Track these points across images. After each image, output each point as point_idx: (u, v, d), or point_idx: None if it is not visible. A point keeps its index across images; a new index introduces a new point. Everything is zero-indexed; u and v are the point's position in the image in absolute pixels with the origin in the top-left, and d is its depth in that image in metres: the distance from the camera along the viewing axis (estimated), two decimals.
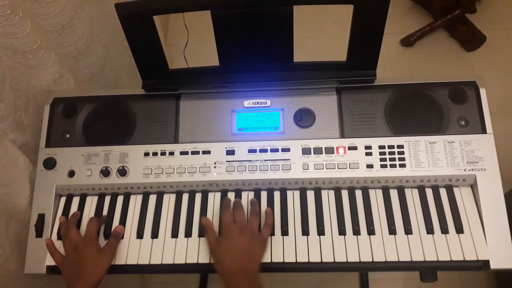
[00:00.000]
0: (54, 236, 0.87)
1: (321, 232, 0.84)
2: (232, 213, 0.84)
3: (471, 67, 1.92)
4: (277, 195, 0.89)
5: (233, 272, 0.76)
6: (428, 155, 0.85)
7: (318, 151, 0.87)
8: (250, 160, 0.88)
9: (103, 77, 1.14)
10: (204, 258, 0.83)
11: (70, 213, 0.90)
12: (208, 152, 0.89)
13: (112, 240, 0.84)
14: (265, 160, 0.88)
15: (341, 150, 0.87)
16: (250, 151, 0.89)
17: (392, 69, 1.96)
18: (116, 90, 0.96)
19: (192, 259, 0.83)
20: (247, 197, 0.89)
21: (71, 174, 0.89)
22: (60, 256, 0.83)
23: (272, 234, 0.84)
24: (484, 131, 0.86)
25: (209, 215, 0.88)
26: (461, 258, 0.79)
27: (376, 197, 0.87)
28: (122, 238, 0.86)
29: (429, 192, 0.86)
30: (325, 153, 0.87)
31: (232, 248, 0.78)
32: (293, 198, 0.88)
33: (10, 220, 0.85)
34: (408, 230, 0.83)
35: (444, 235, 0.82)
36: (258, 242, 0.80)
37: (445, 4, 1.93)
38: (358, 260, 0.81)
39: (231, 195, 0.89)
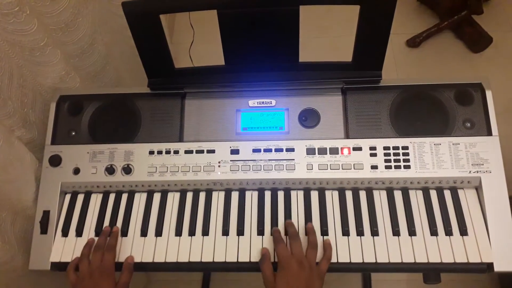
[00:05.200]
0: (59, 233, 0.88)
1: (324, 232, 0.84)
2: (286, 245, 0.80)
3: (477, 69, 1.91)
4: (281, 195, 0.89)
5: None
6: (433, 157, 0.85)
7: (322, 151, 0.87)
8: (255, 160, 0.88)
9: (105, 76, 1.15)
10: (207, 257, 0.83)
11: (75, 210, 0.90)
12: (213, 151, 0.89)
13: (125, 274, 0.81)
14: (269, 159, 0.88)
15: (345, 151, 0.87)
16: (255, 150, 0.89)
17: (397, 70, 1.95)
18: (122, 89, 0.96)
19: (195, 258, 0.83)
20: (250, 196, 0.89)
21: (76, 171, 0.90)
22: (75, 277, 0.81)
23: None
24: (489, 133, 0.86)
25: (212, 214, 0.88)
26: (465, 260, 0.79)
27: (380, 198, 0.87)
28: (126, 235, 0.87)
29: (433, 194, 0.86)
30: (330, 154, 0.87)
31: (291, 283, 0.73)
32: (297, 198, 0.88)
33: (16, 217, 0.86)
34: (412, 232, 0.82)
35: (448, 237, 0.82)
36: (317, 276, 0.76)
37: (452, 5, 1.92)
38: (361, 261, 0.81)
39: (235, 195, 0.90)
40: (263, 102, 0.93)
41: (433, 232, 0.82)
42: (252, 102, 0.93)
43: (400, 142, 0.87)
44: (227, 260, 0.83)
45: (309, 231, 0.83)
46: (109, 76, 1.16)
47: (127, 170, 0.89)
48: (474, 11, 1.87)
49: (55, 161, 0.90)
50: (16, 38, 0.82)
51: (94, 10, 1.03)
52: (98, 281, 0.78)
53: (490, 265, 0.79)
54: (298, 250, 0.78)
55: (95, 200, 0.91)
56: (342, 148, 0.87)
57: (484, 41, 1.91)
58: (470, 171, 0.84)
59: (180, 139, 0.91)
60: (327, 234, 0.84)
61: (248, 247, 0.84)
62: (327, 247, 0.81)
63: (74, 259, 0.84)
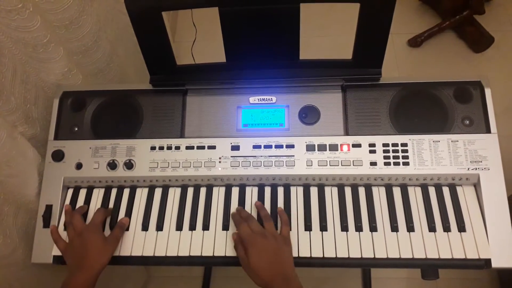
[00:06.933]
0: (61, 227, 0.89)
1: (323, 228, 0.85)
2: (247, 225, 0.82)
3: (479, 69, 1.92)
4: (280, 191, 0.90)
5: (271, 280, 0.74)
6: (432, 154, 0.86)
7: (322, 148, 0.88)
8: (255, 156, 0.89)
9: (109, 73, 1.16)
10: (207, 251, 0.84)
11: (77, 205, 0.91)
12: (214, 147, 0.90)
13: (116, 230, 0.85)
14: (269, 156, 0.89)
15: (345, 147, 0.88)
16: (255, 147, 0.90)
17: (399, 70, 1.96)
18: (124, 85, 0.97)
19: (195, 252, 0.84)
20: (251, 192, 0.90)
21: (79, 166, 0.91)
22: (63, 243, 0.85)
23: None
24: (488, 130, 0.86)
25: (213, 209, 0.89)
26: (463, 256, 0.80)
27: (379, 194, 0.87)
28: (127, 230, 0.88)
29: (432, 191, 0.87)
30: (329, 150, 0.88)
31: (261, 256, 0.76)
32: (296, 194, 0.89)
33: (18, 211, 0.87)
34: (410, 228, 0.83)
35: (446, 233, 0.82)
36: (283, 243, 0.79)
37: (454, 5, 1.92)
38: (359, 256, 0.81)
39: (235, 190, 0.90)
40: (263, 99, 0.93)
41: (431, 228, 0.83)
42: (253, 99, 0.94)
43: (399, 139, 0.87)
44: (227, 255, 0.84)
45: (258, 208, 0.87)
46: (113, 73, 1.17)
47: (129, 165, 0.90)
48: (476, 11, 1.88)
49: (58, 156, 0.91)
50: (19, 35, 0.83)
51: (99, 8, 1.04)
52: (86, 237, 0.82)
53: (487, 261, 0.80)
54: (256, 226, 0.81)
55: (97, 195, 0.92)
56: (341, 145, 0.88)
57: (486, 41, 1.91)
58: (468, 168, 0.84)
59: (182, 135, 0.92)
60: (326, 230, 0.84)
61: None
62: (281, 214, 0.85)
63: (53, 228, 0.87)
